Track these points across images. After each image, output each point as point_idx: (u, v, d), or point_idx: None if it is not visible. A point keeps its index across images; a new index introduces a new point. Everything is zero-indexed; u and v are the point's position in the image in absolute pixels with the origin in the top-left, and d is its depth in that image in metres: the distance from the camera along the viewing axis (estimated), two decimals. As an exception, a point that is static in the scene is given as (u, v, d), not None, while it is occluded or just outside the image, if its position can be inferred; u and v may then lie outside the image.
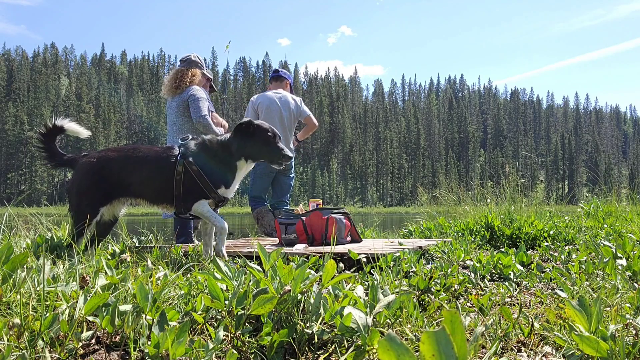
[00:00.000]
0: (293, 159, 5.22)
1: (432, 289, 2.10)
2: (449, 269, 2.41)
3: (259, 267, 1.65)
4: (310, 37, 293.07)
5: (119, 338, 1.42)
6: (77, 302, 1.39)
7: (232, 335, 1.42)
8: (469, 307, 1.91)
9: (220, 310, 1.51)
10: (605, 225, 4.79)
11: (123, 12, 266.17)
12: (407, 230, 5.64)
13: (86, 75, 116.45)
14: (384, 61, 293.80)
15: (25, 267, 1.67)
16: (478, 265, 2.55)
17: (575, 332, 1.26)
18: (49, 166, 2.98)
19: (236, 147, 2.87)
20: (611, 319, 1.45)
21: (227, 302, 1.46)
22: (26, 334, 1.29)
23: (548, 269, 2.64)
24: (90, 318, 1.37)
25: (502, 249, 3.27)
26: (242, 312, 1.43)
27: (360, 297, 1.54)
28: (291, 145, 5.12)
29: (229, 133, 2.99)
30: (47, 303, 1.41)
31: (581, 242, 3.95)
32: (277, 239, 4.07)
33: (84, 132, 3.10)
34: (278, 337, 1.36)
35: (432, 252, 3.47)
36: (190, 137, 2.99)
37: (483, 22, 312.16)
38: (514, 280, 2.50)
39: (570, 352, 1.29)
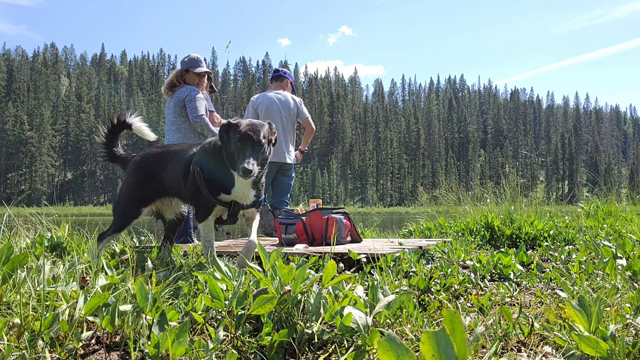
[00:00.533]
0: (294, 163, 5.23)
1: (432, 289, 2.10)
2: (449, 269, 2.41)
3: (259, 267, 1.65)
4: (311, 37, 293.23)
5: (119, 338, 1.42)
6: (77, 302, 1.39)
7: (232, 335, 1.42)
8: (469, 307, 1.91)
9: (220, 310, 1.51)
10: (605, 225, 4.79)
11: (123, 12, 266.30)
12: (407, 230, 5.64)
13: (86, 75, 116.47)
14: (384, 61, 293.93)
15: (25, 267, 1.67)
16: (478, 265, 2.56)
17: (575, 332, 1.26)
18: (102, 159, 2.95)
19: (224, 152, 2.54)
20: (611, 319, 1.45)
21: (227, 302, 1.46)
22: (26, 334, 1.29)
23: (548, 269, 2.64)
24: (90, 318, 1.37)
25: (502, 249, 3.27)
26: (242, 312, 1.43)
27: (360, 297, 1.54)
28: (290, 147, 5.12)
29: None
30: (47, 303, 1.41)
31: (581, 242, 3.95)
32: (277, 239, 4.07)
33: (150, 135, 3.01)
34: (278, 337, 1.36)
35: (432, 252, 3.47)
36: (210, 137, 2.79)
37: (483, 22, 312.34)
38: (514, 280, 2.50)
39: (570, 352, 1.29)
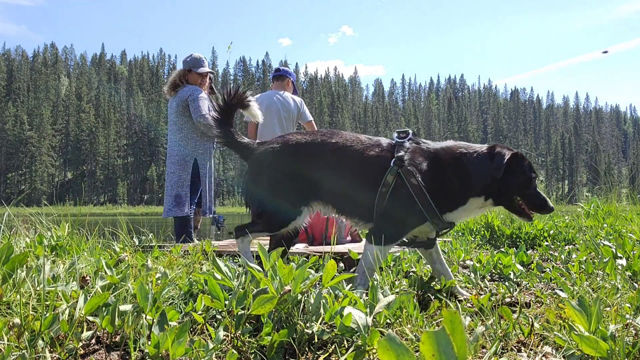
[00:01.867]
0: None
1: (432, 289, 2.10)
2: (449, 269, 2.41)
3: (259, 267, 1.65)
4: (312, 37, 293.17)
5: (119, 338, 1.42)
6: (77, 302, 1.39)
7: (232, 335, 1.42)
8: (469, 307, 1.91)
9: (220, 310, 1.51)
10: (605, 225, 4.78)
11: (123, 12, 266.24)
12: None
13: (86, 75, 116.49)
14: (385, 61, 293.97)
15: (25, 266, 1.67)
16: (478, 265, 2.56)
17: (575, 332, 1.26)
18: (220, 143, 2.48)
19: (480, 177, 2.06)
20: (611, 319, 1.45)
21: (227, 302, 1.46)
22: (26, 333, 1.28)
23: (548, 269, 2.64)
24: (90, 318, 1.37)
25: (502, 249, 3.27)
26: (242, 312, 1.43)
27: (360, 297, 1.54)
28: None
29: (478, 149, 2.16)
30: (47, 303, 1.41)
31: (581, 242, 3.95)
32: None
33: (259, 118, 2.57)
34: (278, 337, 1.36)
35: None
36: (411, 134, 2.24)
37: (483, 22, 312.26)
38: (514, 280, 2.50)
39: (570, 352, 1.29)
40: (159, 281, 1.79)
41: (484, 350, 1.42)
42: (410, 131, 2.23)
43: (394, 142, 2.17)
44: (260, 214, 2.30)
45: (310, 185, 2.20)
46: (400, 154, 2.09)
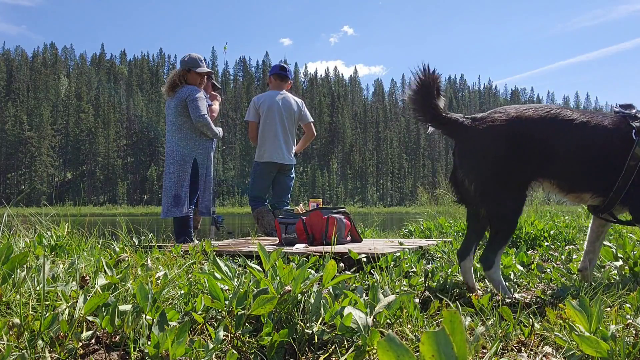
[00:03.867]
0: (294, 164, 5.22)
1: (432, 289, 2.10)
2: (450, 269, 2.41)
3: (259, 267, 1.65)
4: (312, 37, 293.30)
5: (118, 338, 1.41)
6: (77, 302, 1.39)
7: (232, 335, 1.41)
8: (469, 307, 1.91)
9: (220, 310, 1.51)
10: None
11: (123, 12, 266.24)
12: (407, 230, 5.64)
13: (86, 75, 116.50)
14: (385, 61, 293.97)
15: (24, 266, 1.67)
16: (479, 265, 2.55)
17: (576, 333, 1.26)
18: (421, 120, 2.20)
19: None
20: (611, 319, 1.45)
21: (227, 302, 1.46)
22: (26, 333, 1.28)
23: (548, 269, 2.64)
24: (90, 318, 1.37)
25: (502, 249, 3.26)
26: (242, 312, 1.43)
27: (361, 297, 1.54)
28: (291, 148, 5.10)
29: None
30: (47, 303, 1.41)
31: (581, 242, 3.95)
32: (277, 238, 4.07)
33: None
34: (278, 337, 1.36)
35: (432, 252, 3.47)
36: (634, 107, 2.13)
37: (483, 22, 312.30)
38: (515, 280, 2.50)
39: (570, 353, 1.29)
40: (159, 281, 1.79)
41: (484, 350, 1.42)
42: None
43: (621, 114, 2.08)
44: (489, 209, 2.08)
45: (535, 163, 2.05)
46: (637, 124, 2.00)
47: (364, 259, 2.69)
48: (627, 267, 2.35)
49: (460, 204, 2.25)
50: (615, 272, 2.39)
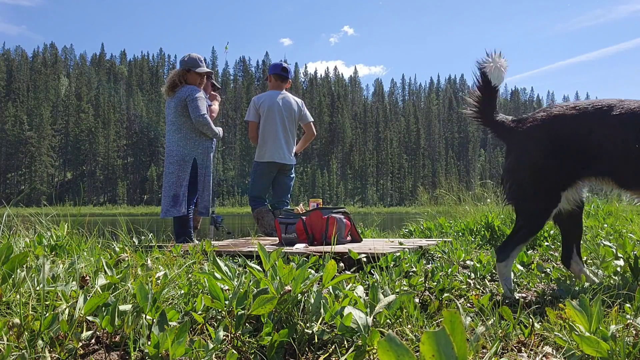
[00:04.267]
0: (294, 164, 5.22)
1: (432, 289, 2.10)
2: (450, 269, 2.41)
3: (259, 267, 1.65)
4: (312, 37, 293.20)
5: (118, 338, 1.41)
6: (77, 301, 1.39)
7: (232, 335, 1.41)
8: (469, 307, 1.91)
9: (220, 310, 1.51)
10: (605, 225, 4.78)
11: (123, 12, 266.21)
12: (407, 230, 5.64)
13: (86, 75, 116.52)
14: (385, 61, 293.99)
15: (24, 266, 1.67)
16: (478, 265, 2.55)
17: (576, 333, 1.26)
18: (475, 120, 2.24)
19: None
20: (612, 319, 1.45)
21: (227, 302, 1.46)
22: (26, 333, 1.28)
23: (548, 269, 2.64)
24: (90, 318, 1.37)
25: (502, 249, 3.26)
26: (242, 312, 1.43)
27: (361, 297, 1.54)
28: (291, 148, 5.10)
29: None
30: (47, 303, 1.41)
31: (581, 241, 3.94)
32: (277, 238, 4.07)
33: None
34: (278, 337, 1.35)
35: (432, 252, 3.47)
36: None
37: (483, 22, 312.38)
38: (515, 280, 2.50)
39: (570, 353, 1.29)
40: (159, 281, 1.79)
41: (484, 350, 1.42)
42: None
43: None
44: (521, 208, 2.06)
45: (584, 159, 1.98)
46: None
47: (364, 259, 2.69)
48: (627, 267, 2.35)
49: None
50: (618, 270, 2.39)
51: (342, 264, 2.69)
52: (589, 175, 2.02)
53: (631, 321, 1.46)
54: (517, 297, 2.05)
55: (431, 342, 0.65)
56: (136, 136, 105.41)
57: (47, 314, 1.32)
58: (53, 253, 2.50)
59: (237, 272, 1.69)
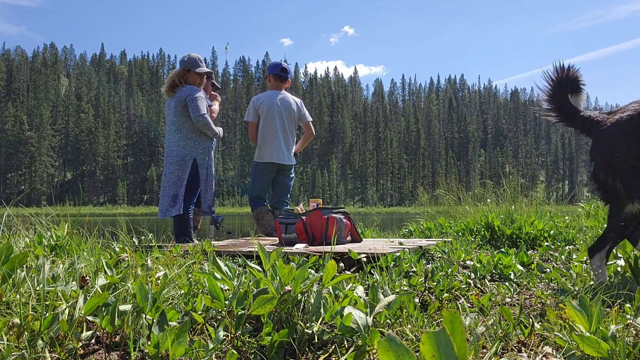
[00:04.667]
0: (294, 164, 5.22)
1: (432, 289, 2.10)
2: (450, 269, 2.41)
3: (259, 267, 1.65)
4: (312, 37, 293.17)
5: (119, 338, 1.41)
6: (77, 301, 1.39)
7: (232, 335, 1.41)
8: (469, 307, 1.91)
9: (220, 310, 1.51)
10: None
11: (122, 12, 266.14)
12: (407, 230, 5.64)
13: (86, 75, 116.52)
14: (385, 61, 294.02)
15: (24, 266, 1.67)
16: (478, 265, 2.55)
17: (576, 333, 1.26)
18: (553, 119, 2.15)
19: None
20: (612, 319, 1.45)
21: (227, 302, 1.46)
22: (26, 333, 1.28)
23: (548, 269, 2.64)
24: (90, 318, 1.37)
25: (503, 249, 3.27)
26: (242, 312, 1.43)
27: (361, 297, 1.54)
28: (291, 148, 5.10)
29: None
30: (47, 303, 1.41)
31: (581, 242, 3.95)
32: (277, 238, 4.07)
33: (581, 106, 2.17)
34: (278, 337, 1.35)
35: (432, 252, 3.47)
36: None
37: (483, 22, 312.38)
38: (515, 280, 2.50)
39: (570, 353, 1.29)
40: (159, 281, 1.79)
41: (484, 350, 1.42)
42: None
43: None
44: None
45: None
46: None
47: (364, 259, 2.69)
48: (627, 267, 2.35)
49: (605, 203, 2.16)
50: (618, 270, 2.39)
51: (342, 264, 2.69)
52: None
53: (631, 321, 1.46)
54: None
55: (431, 342, 0.65)
56: (136, 136, 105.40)
57: (47, 314, 1.32)
58: (53, 253, 2.50)
59: (237, 272, 1.69)
